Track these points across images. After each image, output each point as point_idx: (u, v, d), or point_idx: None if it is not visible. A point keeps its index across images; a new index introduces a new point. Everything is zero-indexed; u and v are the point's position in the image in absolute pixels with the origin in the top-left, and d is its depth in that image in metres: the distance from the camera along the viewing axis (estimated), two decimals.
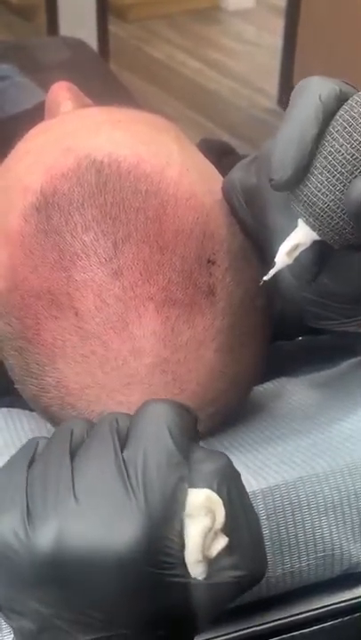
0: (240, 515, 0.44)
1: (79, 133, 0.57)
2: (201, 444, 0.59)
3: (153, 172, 0.54)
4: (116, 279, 0.52)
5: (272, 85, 2.97)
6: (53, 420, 0.58)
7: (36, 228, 0.53)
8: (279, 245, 0.51)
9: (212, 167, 0.60)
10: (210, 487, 0.43)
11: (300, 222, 0.51)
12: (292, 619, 0.59)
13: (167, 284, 0.52)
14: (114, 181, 0.53)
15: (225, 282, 0.54)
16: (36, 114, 0.71)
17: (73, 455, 0.44)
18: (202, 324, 0.53)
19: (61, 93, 0.67)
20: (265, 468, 0.58)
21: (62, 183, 0.53)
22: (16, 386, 0.58)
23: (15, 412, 0.68)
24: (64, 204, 0.53)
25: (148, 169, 0.54)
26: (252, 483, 0.56)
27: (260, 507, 0.56)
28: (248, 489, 0.56)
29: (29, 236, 0.53)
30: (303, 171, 0.49)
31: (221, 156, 0.81)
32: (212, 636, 0.57)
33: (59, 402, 0.55)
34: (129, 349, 0.52)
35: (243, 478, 0.57)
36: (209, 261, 0.54)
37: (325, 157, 0.49)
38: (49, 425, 0.62)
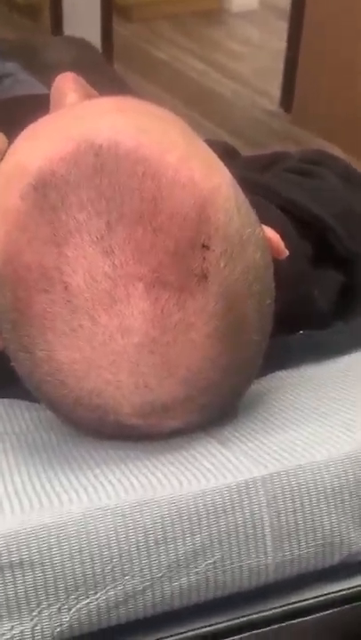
0: None
1: (82, 121, 0.58)
2: (200, 432, 0.60)
3: (151, 156, 0.54)
4: (106, 257, 0.52)
5: (275, 87, 2.97)
6: (48, 400, 0.59)
7: (33, 205, 0.54)
8: None
9: (215, 156, 0.61)
10: None
11: None
12: (292, 606, 0.59)
13: (158, 266, 0.53)
14: (111, 164, 0.54)
15: (219, 267, 0.54)
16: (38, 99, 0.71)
17: None
18: (192, 307, 0.54)
19: (67, 84, 0.67)
20: (265, 455, 0.58)
21: (60, 165, 0.54)
22: (12, 363, 0.59)
23: (15, 403, 0.69)
24: (61, 184, 0.54)
25: (147, 153, 0.54)
26: (253, 470, 0.57)
27: (260, 493, 0.56)
28: (248, 476, 0.56)
29: (25, 213, 0.54)
30: None
31: (224, 156, 0.82)
32: (213, 622, 0.58)
33: (50, 378, 0.56)
34: (116, 326, 0.53)
35: (243, 466, 0.57)
36: (203, 246, 0.54)
37: None
38: (48, 414, 0.62)
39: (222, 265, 0.55)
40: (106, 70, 1.99)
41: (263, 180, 0.89)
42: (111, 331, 0.53)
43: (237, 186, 0.60)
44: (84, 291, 0.53)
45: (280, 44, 3.00)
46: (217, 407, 0.59)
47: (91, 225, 0.53)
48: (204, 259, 0.54)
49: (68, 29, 2.68)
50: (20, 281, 0.55)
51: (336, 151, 2.22)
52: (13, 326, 0.56)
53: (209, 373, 0.56)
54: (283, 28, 3.00)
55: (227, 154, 1.01)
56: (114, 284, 0.53)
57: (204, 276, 0.54)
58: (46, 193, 0.54)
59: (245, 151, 1.32)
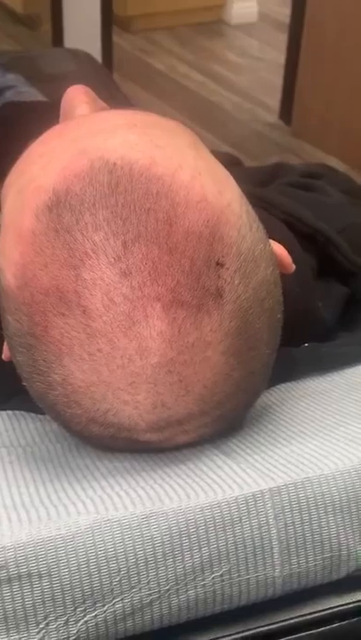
0: None
1: (94, 136, 0.58)
2: (207, 444, 0.60)
3: (165, 175, 0.54)
4: (124, 278, 0.52)
5: (274, 100, 2.98)
6: (59, 418, 0.59)
7: (48, 226, 0.54)
8: None
9: (227, 172, 0.61)
10: None
11: None
12: (298, 620, 0.59)
13: (175, 286, 0.53)
14: (125, 183, 0.53)
15: (233, 284, 0.55)
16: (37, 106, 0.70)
17: None
18: (209, 326, 0.54)
19: (78, 96, 0.67)
20: (272, 468, 0.58)
21: (75, 183, 0.54)
22: (23, 383, 0.59)
23: (20, 414, 0.69)
24: (76, 204, 0.53)
25: (160, 171, 0.54)
26: (260, 482, 0.57)
27: (267, 506, 0.56)
28: (255, 489, 0.56)
29: (40, 235, 0.54)
30: None
31: (228, 167, 0.82)
32: (219, 635, 0.58)
33: (64, 399, 0.56)
34: (135, 348, 0.53)
35: (250, 479, 0.57)
36: (218, 264, 0.54)
37: None
38: (54, 425, 0.62)
39: (237, 282, 0.55)
40: (108, 82, 1.99)
41: (265, 193, 0.89)
42: (130, 353, 0.53)
43: (246, 200, 0.60)
44: (103, 314, 0.53)
45: (279, 56, 3.01)
46: (229, 419, 0.60)
47: (107, 245, 0.52)
48: (219, 276, 0.54)
49: (69, 40, 2.69)
50: (37, 305, 0.54)
51: (336, 164, 2.23)
52: (28, 350, 0.56)
53: (223, 388, 0.56)
54: (282, 40, 3.00)
55: (230, 164, 1.02)
56: (132, 305, 0.52)
57: (219, 295, 0.54)
58: (61, 213, 0.53)
59: (245, 163, 1.32)
